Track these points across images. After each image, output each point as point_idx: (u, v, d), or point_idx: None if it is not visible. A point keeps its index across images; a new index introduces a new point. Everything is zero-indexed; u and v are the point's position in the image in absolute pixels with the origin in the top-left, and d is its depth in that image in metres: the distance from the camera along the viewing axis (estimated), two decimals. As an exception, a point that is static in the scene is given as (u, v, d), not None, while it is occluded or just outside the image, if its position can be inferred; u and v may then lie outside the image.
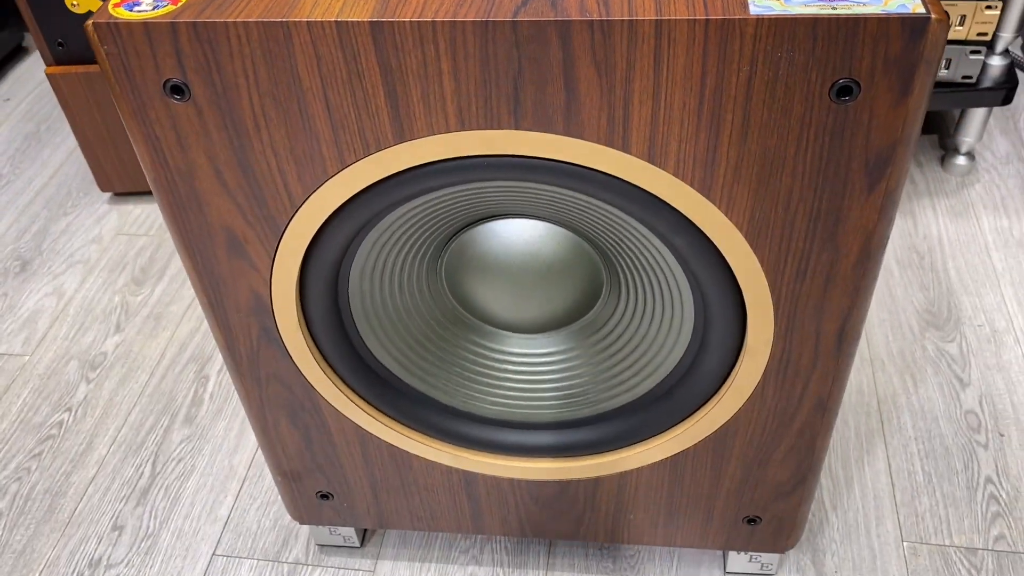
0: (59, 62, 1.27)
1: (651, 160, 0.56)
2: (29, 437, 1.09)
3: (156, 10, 0.53)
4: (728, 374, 0.70)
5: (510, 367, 0.77)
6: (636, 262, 0.67)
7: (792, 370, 0.67)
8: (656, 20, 0.50)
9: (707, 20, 0.49)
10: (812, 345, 0.65)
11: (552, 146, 0.56)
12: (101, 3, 1.18)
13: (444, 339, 0.76)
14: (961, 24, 1.17)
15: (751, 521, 0.82)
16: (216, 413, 1.10)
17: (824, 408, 0.70)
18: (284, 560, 0.95)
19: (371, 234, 0.66)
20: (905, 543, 0.92)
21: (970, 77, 1.21)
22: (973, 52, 1.19)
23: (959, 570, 0.90)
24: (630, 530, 0.86)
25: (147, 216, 1.40)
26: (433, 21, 0.51)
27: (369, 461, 0.82)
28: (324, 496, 0.87)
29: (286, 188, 0.61)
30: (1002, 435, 1.01)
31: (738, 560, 0.89)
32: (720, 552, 0.93)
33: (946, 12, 0.49)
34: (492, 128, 0.55)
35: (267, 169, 0.60)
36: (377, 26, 0.52)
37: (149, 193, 1.44)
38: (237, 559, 0.96)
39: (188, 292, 1.27)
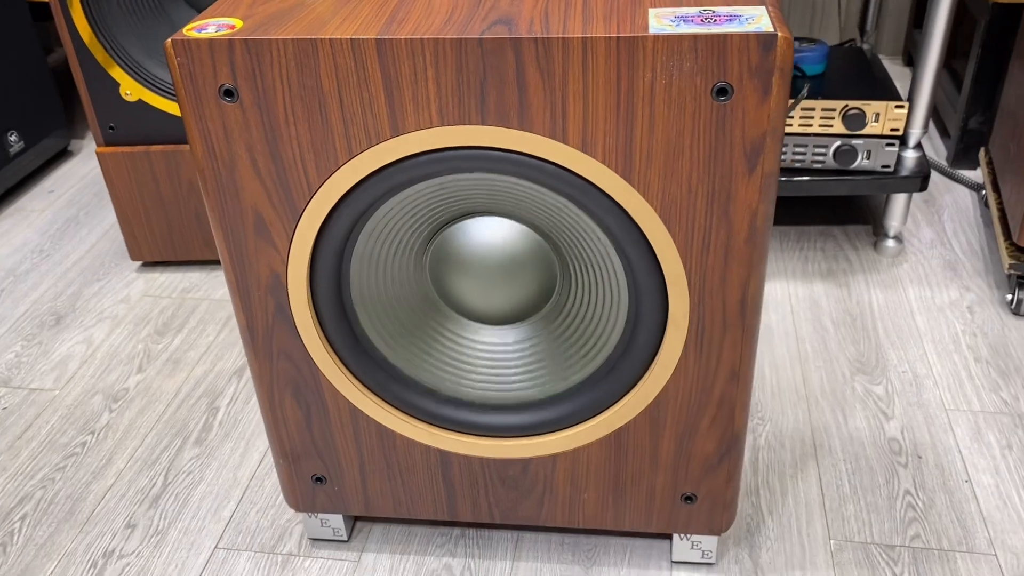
0: (108, 143, 1.48)
1: (584, 149, 0.74)
2: (55, 454, 1.22)
3: (218, 32, 0.73)
4: (657, 348, 0.85)
5: (482, 355, 0.92)
6: (582, 253, 0.84)
7: (707, 340, 0.83)
8: (583, 37, 0.69)
9: (619, 37, 0.68)
10: (721, 315, 0.81)
11: (508, 138, 0.74)
12: (150, 92, 1.40)
13: (427, 327, 0.92)
14: (876, 121, 1.39)
15: (688, 499, 0.94)
16: (224, 436, 1.23)
17: (737, 377, 0.85)
18: (279, 552, 1.06)
19: (368, 223, 0.83)
20: (832, 541, 1.04)
21: (888, 166, 1.42)
22: (888, 144, 1.40)
23: (878, 562, 1.01)
24: (585, 512, 0.98)
25: (171, 282, 1.57)
26: (422, 38, 0.70)
27: (359, 440, 0.95)
28: (318, 479, 0.99)
29: (306, 175, 0.78)
30: (920, 457, 1.14)
31: (681, 547, 1.00)
32: (667, 545, 1.04)
33: (790, 32, 0.69)
34: (464, 124, 0.74)
35: (292, 159, 0.77)
36: (381, 42, 0.71)
37: (174, 263, 1.62)
38: (236, 551, 1.07)
39: (204, 341, 1.42)
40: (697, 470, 0.92)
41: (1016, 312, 1.37)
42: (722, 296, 0.80)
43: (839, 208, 1.68)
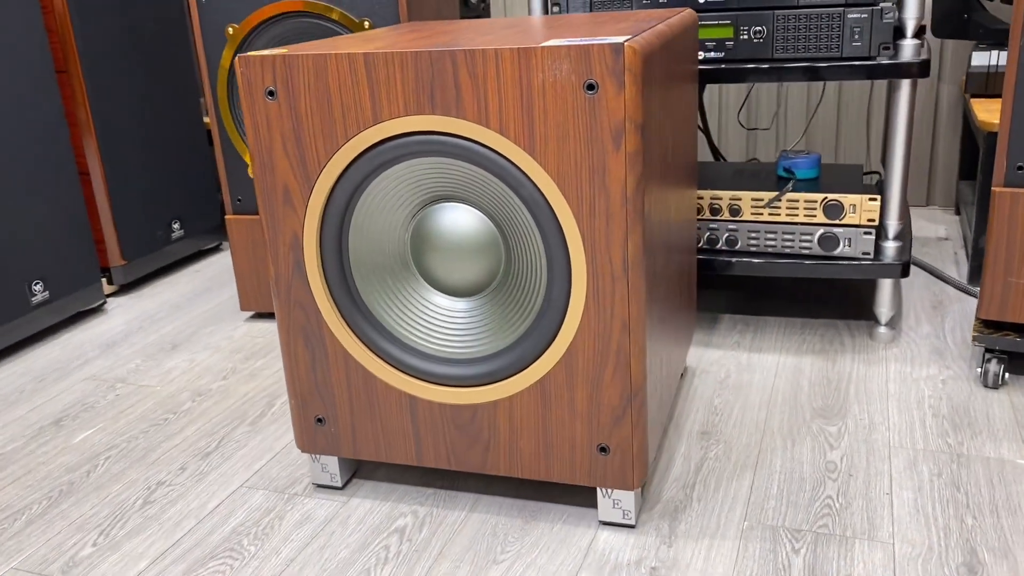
0: (235, 212, 1.89)
1: (501, 132, 1.03)
2: (143, 423, 1.54)
3: (268, 53, 1.09)
4: (567, 304, 1.08)
5: (442, 317, 1.18)
6: (514, 228, 1.10)
7: (601, 293, 1.06)
8: (496, 49, 1.00)
9: (519, 48, 0.99)
10: (609, 270, 1.04)
11: (450, 124, 1.04)
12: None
13: (404, 291, 1.19)
14: (854, 212, 1.59)
15: (603, 450, 1.13)
16: (272, 422, 1.52)
17: (629, 329, 1.06)
18: (287, 492, 1.31)
19: (362, 199, 1.14)
20: (746, 522, 1.17)
21: (868, 253, 1.60)
22: (866, 233, 1.59)
23: (781, 539, 1.13)
24: (522, 462, 1.17)
25: (268, 328, 1.92)
26: (392, 52, 1.03)
27: (350, 383, 1.21)
28: (319, 420, 1.25)
29: (317, 155, 1.11)
30: (851, 476, 1.26)
31: (605, 506, 1.17)
32: (596, 511, 1.20)
33: (640, 43, 0.97)
34: (421, 114, 1.05)
35: (309, 142, 1.11)
36: (367, 55, 1.05)
37: (274, 315, 1.98)
38: (255, 489, 1.32)
39: (279, 365, 1.74)
40: (607, 420, 1.11)
41: (984, 383, 1.47)
42: (608, 253, 1.04)
43: (846, 305, 1.83)
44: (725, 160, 2.39)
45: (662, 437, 1.39)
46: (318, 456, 1.29)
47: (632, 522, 1.17)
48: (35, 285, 1.88)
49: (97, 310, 2.10)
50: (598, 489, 1.17)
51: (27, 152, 1.86)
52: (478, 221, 1.13)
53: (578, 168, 1.01)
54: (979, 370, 1.49)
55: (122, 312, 2.09)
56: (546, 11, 1.73)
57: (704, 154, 2.61)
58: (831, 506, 1.19)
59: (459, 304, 1.18)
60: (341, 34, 1.72)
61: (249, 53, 1.10)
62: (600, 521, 1.19)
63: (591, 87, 0.98)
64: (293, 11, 1.71)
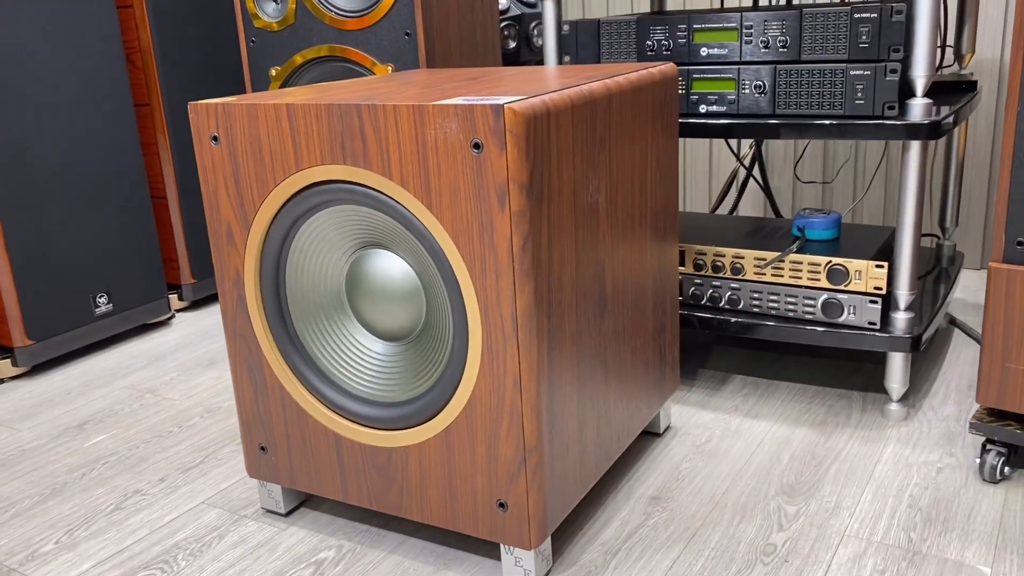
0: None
1: (403, 185, 1.05)
2: (150, 433, 1.66)
3: (215, 102, 1.17)
4: (466, 359, 1.09)
5: (370, 360, 1.21)
6: (427, 278, 1.12)
7: (495, 349, 1.05)
8: (394, 105, 1.03)
9: (413, 105, 1.01)
10: (500, 327, 1.04)
11: (359, 175, 1.08)
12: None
13: (337, 331, 1.23)
14: (859, 278, 1.49)
15: (502, 505, 1.12)
16: (258, 444, 1.59)
17: (520, 388, 1.05)
18: (237, 513, 1.37)
19: (296, 240, 1.19)
20: (651, 598, 1.12)
21: (874, 323, 1.49)
22: (871, 302, 1.49)
23: (679, 620, 1.08)
24: (432, 509, 1.18)
25: (296, 353, 2.02)
26: (308, 104, 1.09)
27: (285, 415, 1.26)
28: (262, 448, 1.31)
29: (252, 197, 1.17)
30: (786, 561, 1.18)
31: (508, 563, 1.16)
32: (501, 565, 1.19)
33: (528, 105, 0.97)
34: (335, 164, 1.09)
35: (246, 185, 1.17)
36: (289, 107, 1.10)
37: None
38: (211, 507, 1.40)
39: (289, 388, 1.82)
40: (504, 476, 1.10)
41: (982, 477, 1.34)
42: (499, 310, 1.04)
43: (874, 376, 1.71)
44: (782, 216, 2.30)
45: (608, 497, 1.35)
46: (265, 482, 1.35)
47: (533, 583, 1.15)
48: (99, 297, 2.07)
49: (163, 324, 2.28)
50: (501, 546, 1.16)
51: (100, 177, 2.05)
52: (402, 269, 1.16)
53: (469, 225, 1.02)
54: (977, 461, 1.36)
55: (183, 327, 2.25)
56: (560, 61, 1.74)
57: (769, 211, 2.51)
58: (749, 592, 1.12)
59: (385, 347, 1.21)
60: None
61: (200, 102, 1.19)
62: (505, 578, 1.17)
63: (477, 146, 0.99)
64: (325, 56, 1.81)
